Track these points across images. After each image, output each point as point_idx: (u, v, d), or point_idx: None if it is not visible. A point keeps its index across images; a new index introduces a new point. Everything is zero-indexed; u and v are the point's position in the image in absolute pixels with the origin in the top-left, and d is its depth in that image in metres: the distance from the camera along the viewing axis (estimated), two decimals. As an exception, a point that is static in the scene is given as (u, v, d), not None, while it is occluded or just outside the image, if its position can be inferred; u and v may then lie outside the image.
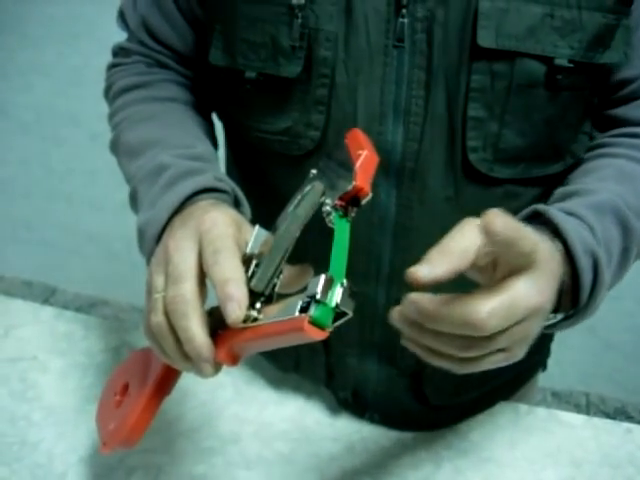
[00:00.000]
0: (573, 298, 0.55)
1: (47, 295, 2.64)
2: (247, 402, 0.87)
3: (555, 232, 0.55)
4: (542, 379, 1.01)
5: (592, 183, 0.64)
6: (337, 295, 0.45)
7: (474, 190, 0.68)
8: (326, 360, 0.82)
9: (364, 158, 0.51)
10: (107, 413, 0.64)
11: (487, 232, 0.44)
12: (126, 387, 0.63)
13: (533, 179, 0.69)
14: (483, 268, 0.50)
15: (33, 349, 0.94)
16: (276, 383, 0.89)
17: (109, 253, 2.39)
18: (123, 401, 0.62)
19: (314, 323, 0.44)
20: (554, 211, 0.57)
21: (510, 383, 0.90)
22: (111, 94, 0.79)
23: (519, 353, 0.51)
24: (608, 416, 1.98)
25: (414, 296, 0.47)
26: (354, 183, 0.50)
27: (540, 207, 0.58)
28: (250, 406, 0.86)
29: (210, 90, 0.78)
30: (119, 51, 0.82)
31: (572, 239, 0.54)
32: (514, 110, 0.64)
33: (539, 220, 0.57)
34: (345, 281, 0.46)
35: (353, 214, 0.51)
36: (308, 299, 0.45)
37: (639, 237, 0.61)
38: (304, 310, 0.45)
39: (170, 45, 0.77)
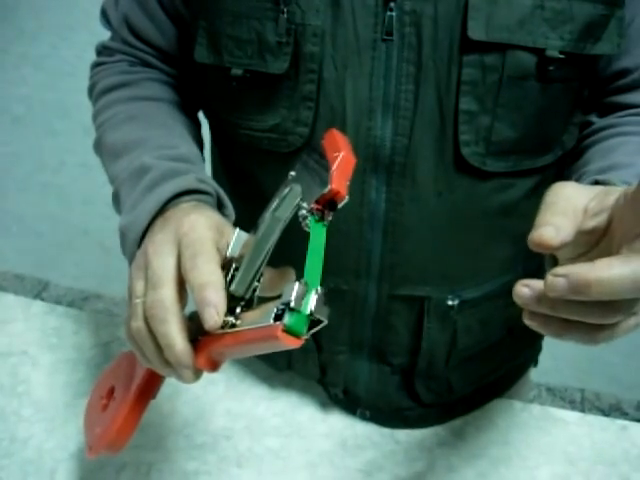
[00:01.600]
0: None
1: (40, 289, 2.65)
2: (239, 398, 0.86)
3: None
4: (537, 375, 1.00)
5: (621, 158, 0.62)
6: (311, 302, 0.44)
7: (466, 184, 0.67)
8: (318, 357, 0.81)
9: (341, 160, 0.50)
10: (94, 417, 0.63)
11: None
12: (112, 390, 0.62)
13: (524, 171, 0.69)
14: (588, 232, 0.46)
15: (23, 344, 0.94)
16: (268, 379, 0.88)
17: (102, 247, 2.38)
18: (109, 405, 0.61)
19: (288, 331, 0.44)
20: (617, 181, 0.54)
21: (502, 380, 0.89)
22: (95, 93, 0.78)
23: None
24: (603, 412, 1.99)
25: (562, 269, 0.40)
26: (330, 186, 0.48)
27: (600, 178, 0.55)
28: (242, 402, 0.86)
29: (196, 88, 0.77)
30: (102, 50, 0.81)
31: None
32: (506, 103, 0.64)
33: None
34: (320, 288, 0.45)
35: (330, 218, 0.50)
36: (283, 306, 0.44)
37: None
38: (279, 318, 0.44)
39: (153, 43, 0.76)
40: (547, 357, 0.97)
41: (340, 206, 0.50)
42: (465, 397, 0.84)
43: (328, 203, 0.50)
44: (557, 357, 2.00)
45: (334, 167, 0.49)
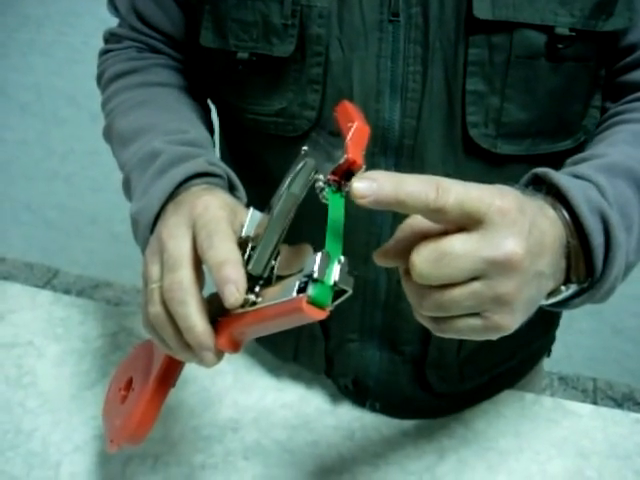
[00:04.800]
0: (588, 268, 0.50)
1: (49, 277, 2.65)
2: (247, 389, 0.85)
3: (558, 196, 0.51)
4: (549, 364, 0.99)
5: (603, 148, 0.60)
6: (335, 272, 0.44)
7: (477, 168, 0.66)
8: (326, 348, 0.80)
9: (355, 130, 0.49)
10: (113, 409, 0.63)
11: (352, 196, 0.42)
12: (130, 382, 0.62)
13: (542, 157, 0.67)
14: None
15: (29, 334, 0.93)
16: (276, 370, 0.88)
17: (111, 235, 2.38)
18: (128, 396, 0.61)
19: (313, 303, 0.43)
20: (555, 173, 0.52)
21: (515, 370, 0.88)
22: (103, 81, 0.78)
23: (502, 321, 0.45)
24: (616, 402, 1.98)
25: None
26: (346, 156, 0.47)
27: (539, 170, 0.54)
28: (250, 393, 0.85)
29: (203, 73, 0.76)
30: (110, 37, 0.81)
31: (575, 198, 0.49)
32: (515, 83, 0.62)
33: (541, 186, 0.53)
34: (342, 258, 0.44)
35: (347, 189, 0.49)
36: (305, 279, 0.43)
37: None
38: (302, 290, 0.43)
39: (161, 29, 0.76)
40: (560, 346, 0.96)
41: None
42: (477, 387, 0.83)
43: (345, 174, 0.49)
44: (570, 346, 1.99)
45: (349, 136, 0.48)
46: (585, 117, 0.68)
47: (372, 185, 0.42)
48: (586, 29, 0.61)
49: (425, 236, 0.44)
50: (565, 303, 0.52)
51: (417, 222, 0.46)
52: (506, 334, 0.46)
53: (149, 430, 0.57)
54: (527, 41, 0.60)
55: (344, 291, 0.44)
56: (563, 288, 0.50)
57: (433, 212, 0.42)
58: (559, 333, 0.93)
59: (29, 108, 2.26)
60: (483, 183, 0.65)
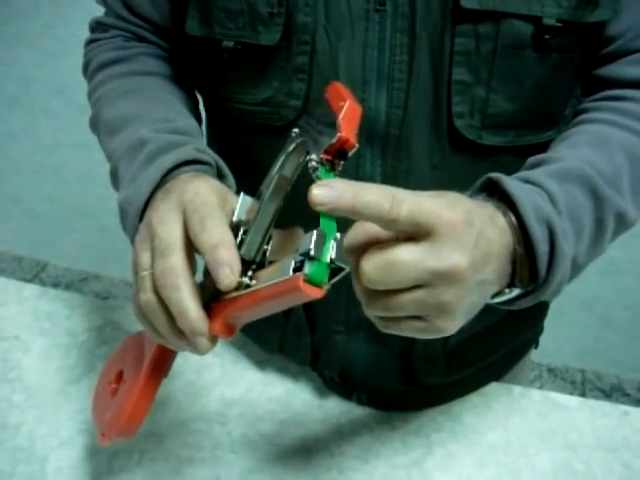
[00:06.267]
0: (532, 272, 0.52)
1: (38, 270, 2.64)
2: (234, 382, 0.85)
3: (508, 203, 0.52)
4: (538, 356, 0.99)
5: (562, 150, 0.61)
6: (331, 250, 0.44)
7: (462, 159, 0.66)
8: (311, 340, 0.80)
9: (347, 109, 0.49)
10: (103, 403, 0.62)
11: (310, 202, 0.42)
12: (121, 374, 0.61)
13: (526, 148, 0.66)
14: None
15: (15, 328, 0.93)
16: (263, 363, 0.87)
17: (100, 227, 2.37)
18: (119, 389, 0.60)
19: (309, 281, 0.43)
20: (507, 179, 0.53)
21: (502, 361, 0.88)
22: (90, 70, 0.77)
23: (443, 325, 0.47)
24: (604, 393, 1.99)
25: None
26: (339, 134, 0.47)
27: (494, 175, 0.54)
28: (237, 387, 0.84)
29: (189, 62, 0.76)
30: (97, 26, 0.80)
31: (523, 207, 0.50)
32: (501, 73, 0.62)
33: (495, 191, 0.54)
34: (338, 235, 0.44)
35: (340, 168, 0.49)
36: (301, 257, 0.43)
37: (615, 207, 0.57)
38: (298, 269, 0.43)
39: (148, 17, 0.75)
40: (548, 338, 0.96)
41: (350, 154, 0.49)
42: (464, 378, 0.83)
43: (338, 152, 0.49)
44: (558, 338, 2.00)
45: (341, 115, 0.48)
46: (567, 107, 0.68)
47: (331, 193, 0.43)
48: (573, 20, 0.60)
49: (375, 240, 0.46)
50: (509, 302, 0.54)
51: (369, 226, 0.47)
52: (446, 335, 0.48)
53: (142, 422, 0.57)
54: (514, 31, 0.60)
55: (340, 269, 0.44)
56: (507, 291, 0.52)
57: (387, 222, 0.44)
58: (548, 325, 0.93)
59: (17, 100, 2.24)
60: (468, 173, 0.65)
